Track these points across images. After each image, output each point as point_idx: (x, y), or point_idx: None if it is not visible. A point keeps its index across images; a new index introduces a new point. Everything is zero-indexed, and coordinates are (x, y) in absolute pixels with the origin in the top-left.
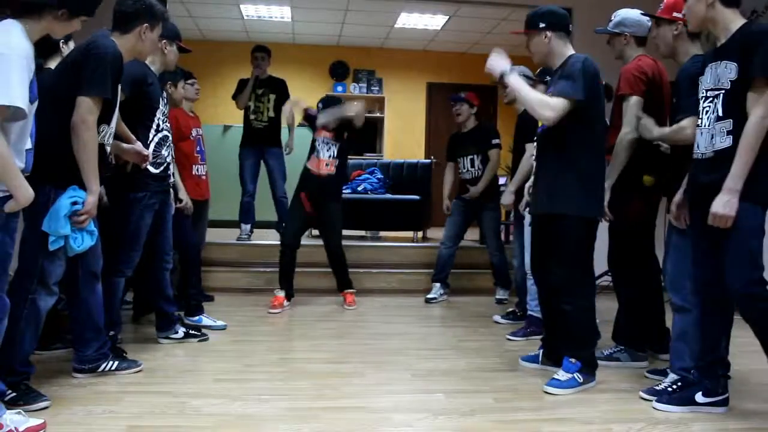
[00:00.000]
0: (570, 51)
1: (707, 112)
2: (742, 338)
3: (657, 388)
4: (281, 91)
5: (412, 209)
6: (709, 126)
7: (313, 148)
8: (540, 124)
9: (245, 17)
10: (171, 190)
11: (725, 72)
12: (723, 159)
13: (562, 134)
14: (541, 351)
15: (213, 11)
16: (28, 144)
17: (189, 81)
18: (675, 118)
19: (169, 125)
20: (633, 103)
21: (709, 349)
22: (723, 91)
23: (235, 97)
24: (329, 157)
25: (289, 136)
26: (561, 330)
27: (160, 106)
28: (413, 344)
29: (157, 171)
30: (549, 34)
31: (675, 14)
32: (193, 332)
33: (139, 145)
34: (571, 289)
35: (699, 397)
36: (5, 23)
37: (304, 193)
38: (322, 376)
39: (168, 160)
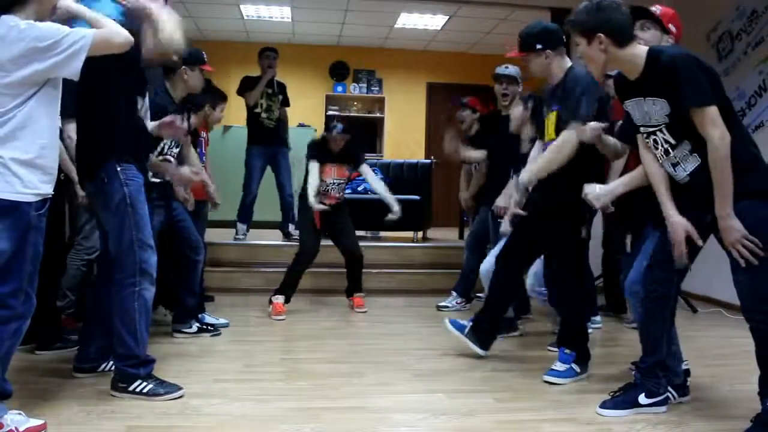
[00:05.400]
0: (568, 62)
1: (656, 146)
2: (740, 338)
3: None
4: (284, 95)
5: (412, 209)
6: (667, 156)
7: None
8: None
9: (245, 17)
10: (172, 193)
11: (655, 109)
12: (701, 175)
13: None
14: (470, 324)
15: (213, 11)
16: None
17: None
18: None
19: (175, 151)
20: None
21: (649, 352)
22: (663, 125)
23: (242, 92)
24: (339, 192)
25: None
26: (498, 314)
27: None
28: (413, 344)
29: (157, 181)
30: (549, 53)
31: (670, 26)
32: (206, 327)
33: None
34: (567, 287)
35: (642, 398)
36: (6, 19)
37: (318, 214)
38: (322, 376)
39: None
